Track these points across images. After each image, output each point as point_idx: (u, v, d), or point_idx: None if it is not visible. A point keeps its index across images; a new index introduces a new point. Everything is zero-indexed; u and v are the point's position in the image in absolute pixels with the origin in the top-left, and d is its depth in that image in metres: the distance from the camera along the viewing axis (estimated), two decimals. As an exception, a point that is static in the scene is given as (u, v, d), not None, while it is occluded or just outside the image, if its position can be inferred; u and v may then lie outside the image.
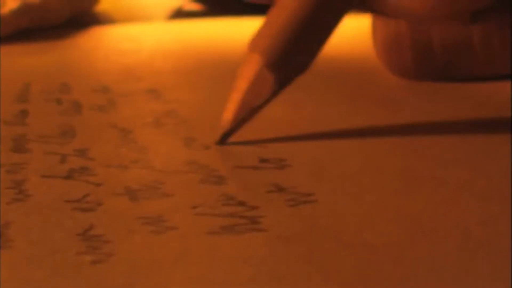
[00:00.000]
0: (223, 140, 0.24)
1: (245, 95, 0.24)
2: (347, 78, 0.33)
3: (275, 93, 0.24)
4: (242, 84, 0.24)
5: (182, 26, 0.46)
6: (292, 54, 0.24)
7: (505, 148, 0.22)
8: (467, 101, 0.28)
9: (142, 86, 0.31)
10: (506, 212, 0.18)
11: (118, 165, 0.22)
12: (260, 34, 0.24)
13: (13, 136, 0.26)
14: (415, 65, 0.31)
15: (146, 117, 0.27)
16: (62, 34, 0.45)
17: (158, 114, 0.28)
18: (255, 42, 0.24)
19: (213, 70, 0.33)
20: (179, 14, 0.55)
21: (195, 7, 0.60)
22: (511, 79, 0.31)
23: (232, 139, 0.24)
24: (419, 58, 0.31)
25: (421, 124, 0.25)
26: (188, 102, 0.29)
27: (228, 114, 0.24)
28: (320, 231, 0.17)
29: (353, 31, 0.42)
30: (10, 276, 0.16)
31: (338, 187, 0.20)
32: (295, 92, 0.30)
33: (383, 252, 0.16)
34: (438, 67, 0.31)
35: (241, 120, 0.24)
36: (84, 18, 0.51)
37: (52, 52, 0.40)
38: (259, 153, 0.23)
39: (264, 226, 0.18)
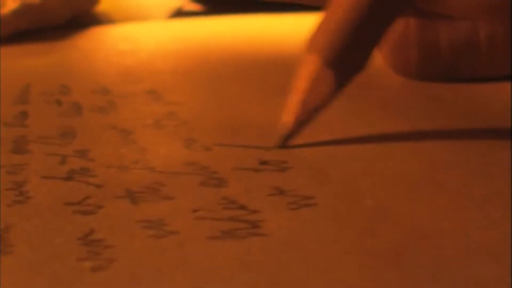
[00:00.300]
0: (285, 142, 0.24)
1: (305, 95, 0.23)
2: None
3: (335, 92, 0.24)
4: (301, 85, 0.24)
5: (181, 26, 0.46)
6: (350, 51, 0.24)
7: (506, 151, 0.22)
8: (468, 103, 0.28)
9: (142, 87, 0.31)
10: (506, 216, 0.18)
11: (118, 166, 0.22)
12: (316, 34, 0.24)
13: (13, 137, 0.26)
14: (420, 64, 0.31)
15: (146, 118, 0.27)
16: (61, 34, 0.45)
17: (158, 115, 0.28)
18: (312, 42, 0.24)
19: (214, 70, 0.33)
20: (179, 14, 0.55)
21: (194, 7, 0.60)
22: (511, 80, 0.31)
23: (230, 142, 0.24)
24: (425, 57, 0.31)
25: (422, 127, 0.25)
26: (188, 103, 0.29)
27: (288, 116, 0.24)
28: (320, 235, 0.17)
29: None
30: (11, 282, 0.16)
31: (338, 190, 0.20)
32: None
33: (383, 257, 0.16)
34: (443, 67, 0.31)
35: (302, 121, 0.24)
36: (84, 19, 0.51)
37: (52, 53, 0.39)
38: (260, 155, 0.23)
39: (265, 231, 0.18)
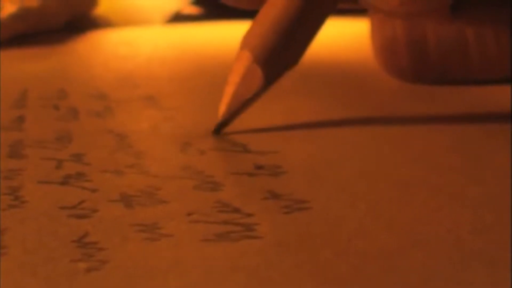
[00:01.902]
0: (218, 130, 0.26)
1: (237, 88, 0.25)
2: (346, 83, 0.33)
3: (264, 87, 0.26)
4: (234, 79, 0.26)
5: (180, 31, 0.46)
6: (280, 51, 0.25)
7: (501, 155, 0.23)
8: (464, 106, 0.28)
9: (139, 92, 0.31)
10: (499, 221, 0.18)
11: (113, 170, 0.22)
12: (250, 32, 0.26)
13: (10, 142, 0.26)
14: (411, 68, 0.31)
15: (142, 123, 0.27)
16: (59, 38, 0.45)
17: (155, 120, 0.28)
18: (246, 39, 0.26)
19: (210, 76, 0.33)
20: (178, 17, 0.55)
21: (193, 10, 0.60)
22: (511, 83, 0.31)
23: (229, 147, 0.24)
24: (415, 61, 0.31)
25: (416, 130, 0.25)
26: (184, 109, 0.29)
27: (223, 106, 0.26)
28: (314, 239, 0.17)
29: (354, 34, 0.42)
30: (5, 283, 0.16)
31: (332, 194, 0.20)
32: (292, 97, 0.30)
33: (376, 260, 0.16)
34: (434, 70, 0.31)
35: (234, 112, 0.26)
36: (82, 22, 0.51)
37: (50, 57, 0.40)
38: (255, 159, 0.23)
39: (259, 234, 0.18)
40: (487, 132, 0.25)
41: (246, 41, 0.26)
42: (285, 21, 0.25)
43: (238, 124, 0.26)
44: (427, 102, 0.29)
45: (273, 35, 0.25)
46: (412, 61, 0.31)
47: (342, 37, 0.41)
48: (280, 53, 0.25)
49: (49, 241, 0.18)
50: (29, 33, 0.46)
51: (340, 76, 0.34)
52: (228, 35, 0.44)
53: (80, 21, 0.51)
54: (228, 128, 0.26)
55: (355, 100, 0.30)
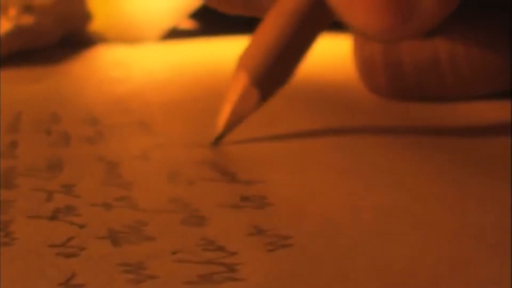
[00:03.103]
0: (216, 143, 0.28)
1: (234, 107, 0.27)
2: (333, 105, 0.33)
3: (259, 105, 0.28)
4: (232, 97, 0.27)
5: (175, 48, 0.47)
6: (276, 71, 0.27)
7: (483, 187, 0.23)
8: (448, 124, 0.29)
9: (131, 118, 0.32)
10: (478, 255, 0.19)
11: (102, 204, 0.23)
12: (247, 52, 0.27)
13: (3, 169, 0.26)
14: (388, 86, 0.33)
15: (133, 150, 0.28)
16: (54, 57, 0.46)
17: (145, 147, 0.28)
18: (243, 60, 0.27)
19: (203, 102, 0.34)
20: (174, 32, 0.55)
21: (189, 25, 0.61)
22: None
23: (218, 176, 0.25)
24: (392, 80, 0.33)
25: (401, 155, 0.26)
26: (176, 134, 0.30)
27: (220, 121, 0.28)
28: (296, 279, 0.18)
29: (340, 51, 0.42)
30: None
31: (315, 228, 0.21)
32: (281, 124, 0.31)
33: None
34: (410, 88, 0.33)
35: (230, 127, 0.28)
36: (77, 38, 0.51)
37: (44, 79, 0.40)
38: (241, 190, 0.24)
39: (242, 275, 0.18)
40: (473, 159, 0.26)
41: (242, 62, 0.27)
42: (280, 42, 0.27)
43: (231, 150, 0.27)
44: (416, 126, 0.29)
45: (269, 57, 0.27)
46: (389, 80, 0.33)
47: (329, 55, 0.42)
48: (275, 74, 0.27)
49: (37, 284, 0.18)
50: (24, 50, 0.47)
51: (328, 97, 0.34)
52: (224, 52, 0.45)
53: (75, 36, 0.52)
54: (223, 154, 0.27)
55: (343, 123, 0.30)
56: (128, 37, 0.52)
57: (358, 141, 0.28)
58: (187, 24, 0.60)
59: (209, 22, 0.58)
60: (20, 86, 0.38)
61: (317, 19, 0.27)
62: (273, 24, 0.27)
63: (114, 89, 0.37)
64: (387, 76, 0.33)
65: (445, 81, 0.32)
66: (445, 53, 0.31)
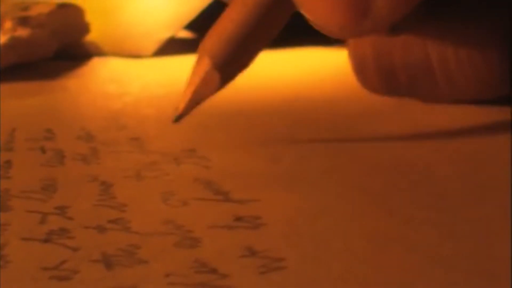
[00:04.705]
0: (176, 121, 0.30)
1: (196, 88, 0.29)
2: (330, 125, 0.34)
3: (220, 88, 0.29)
4: (194, 79, 0.29)
5: (170, 62, 0.47)
6: (237, 57, 0.28)
7: (480, 209, 0.23)
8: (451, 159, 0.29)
9: (126, 134, 0.32)
10: (470, 279, 0.19)
11: (96, 226, 0.23)
12: (209, 38, 0.29)
13: (-2, 191, 0.26)
14: (381, 89, 0.33)
15: (127, 169, 0.28)
16: (49, 71, 0.46)
17: (140, 165, 0.28)
18: (205, 45, 0.29)
19: (197, 118, 0.34)
20: (170, 43, 0.55)
21: (186, 35, 0.61)
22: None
23: (212, 195, 0.25)
24: (384, 82, 0.33)
25: (393, 181, 0.26)
26: (169, 152, 0.30)
27: (181, 102, 0.29)
28: (287, 303, 0.18)
29: (338, 65, 0.42)
30: None
31: (308, 251, 0.21)
32: (276, 142, 0.31)
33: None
34: (403, 91, 0.33)
35: (190, 108, 0.29)
36: (73, 50, 0.51)
37: (39, 93, 0.40)
38: (235, 209, 0.24)
39: (233, 299, 0.18)
40: (465, 185, 0.26)
41: (205, 47, 0.29)
42: (243, 31, 0.28)
43: (226, 168, 0.27)
44: (414, 148, 0.29)
45: (231, 45, 0.28)
46: (381, 83, 0.34)
47: (326, 69, 0.42)
48: (236, 60, 0.29)
49: (29, 310, 0.18)
50: (18, 63, 0.47)
51: (326, 115, 0.35)
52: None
53: (71, 49, 0.52)
54: (217, 173, 0.27)
55: (340, 143, 0.30)
56: (125, 50, 0.52)
57: (354, 164, 0.28)
58: (184, 34, 0.60)
59: (205, 33, 0.58)
60: (15, 101, 0.38)
61: (279, 11, 0.28)
62: (237, 14, 0.28)
63: (109, 104, 0.37)
64: (379, 79, 0.33)
65: (437, 83, 0.32)
66: (436, 57, 0.31)
